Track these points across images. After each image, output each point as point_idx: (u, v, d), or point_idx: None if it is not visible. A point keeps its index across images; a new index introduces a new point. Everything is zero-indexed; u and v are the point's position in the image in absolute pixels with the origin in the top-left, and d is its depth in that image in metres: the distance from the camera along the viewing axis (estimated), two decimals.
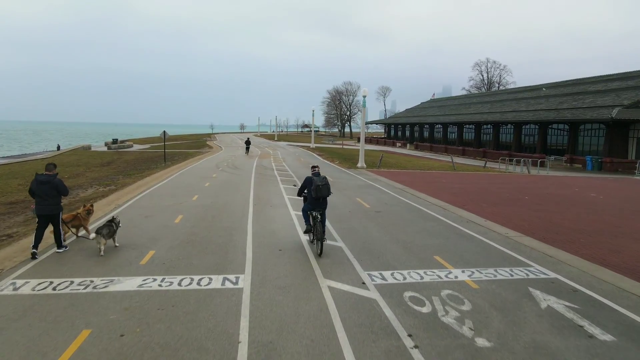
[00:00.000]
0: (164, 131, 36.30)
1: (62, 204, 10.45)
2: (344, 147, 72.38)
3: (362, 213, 15.12)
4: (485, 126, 66.80)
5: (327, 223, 13.14)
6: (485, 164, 38.85)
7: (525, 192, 21.70)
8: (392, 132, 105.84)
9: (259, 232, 12.23)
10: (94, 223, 12.58)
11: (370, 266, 9.33)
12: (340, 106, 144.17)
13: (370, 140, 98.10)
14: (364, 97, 33.04)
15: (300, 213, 12.25)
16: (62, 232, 10.30)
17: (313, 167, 11.14)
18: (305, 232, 10.93)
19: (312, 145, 66.46)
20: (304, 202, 10.95)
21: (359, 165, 33.14)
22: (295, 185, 17.15)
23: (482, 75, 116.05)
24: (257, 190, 20.00)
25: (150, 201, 16.86)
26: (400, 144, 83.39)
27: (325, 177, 10.50)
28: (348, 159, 40.59)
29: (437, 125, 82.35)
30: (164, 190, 19.87)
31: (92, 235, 10.18)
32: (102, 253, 9.88)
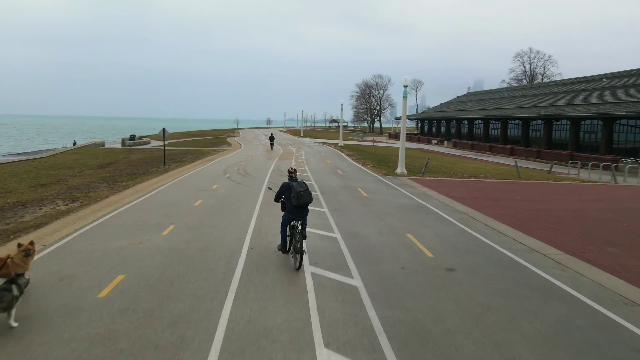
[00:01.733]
0: (164, 129, 30.99)
1: None
2: (375, 144, 65.96)
3: (424, 272, 9.04)
4: (534, 122, 59.23)
5: (370, 308, 7.21)
6: (551, 168, 31.97)
7: None
8: (426, 128, 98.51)
9: (239, 332, 6.37)
10: None
11: None
12: (370, 100, 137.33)
13: None
14: (405, 86, 26.70)
15: (325, 275, 8.86)
16: None
17: (289, 171, 10.34)
18: (278, 250, 9.88)
19: (341, 142, 60.31)
20: (282, 210, 9.90)
21: (398, 171, 26.88)
22: (270, 189, 11.89)
23: (524, 67, 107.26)
24: (263, 215, 14.17)
25: (97, 237, 11.23)
26: (436, 142, 76.34)
27: (304, 182, 9.52)
28: (383, 162, 34.35)
29: (477, 121, 74.76)
30: (133, 213, 14.26)
31: None
32: None
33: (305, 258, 9.79)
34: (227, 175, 24.32)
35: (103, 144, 64.61)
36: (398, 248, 10.75)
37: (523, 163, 41.54)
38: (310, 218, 13.89)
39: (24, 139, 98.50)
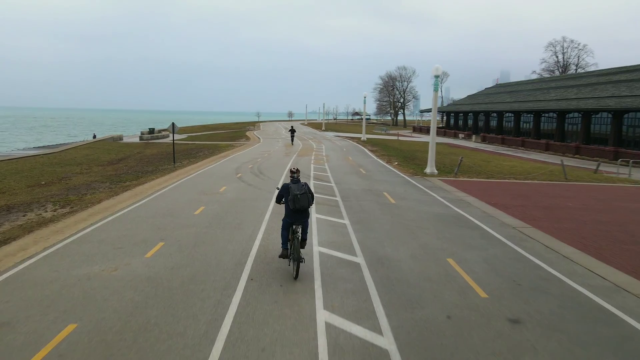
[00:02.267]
0: (173, 123, 28.97)
1: None
2: (400, 138, 63.14)
3: (479, 326, 6.62)
4: (569, 115, 55.45)
5: None
6: (598, 167, 28.83)
7: None
8: (452, 122, 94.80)
9: None
10: None
11: None
12: (394, 93, 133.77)
13: (427, 130, 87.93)
14: (436, 77, 23.99)
15: (344, 329, 6.34)
16: None
17: (292, 171, 9.02)
18: (280, 257, 8.78)
19: (364, 137, 57.64)
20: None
21: (427, 170, 24.26)
22: (278, 188, 9.50)
23: (557, 57, 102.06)
24: (272, 229, 11.92)
25: (65, 260, 9.15)
26: (463, 136, 72.88)
27: (305, 184, 8.67)
28: (409, 159, 31.73)
29: (507, 114, 71.02)
30: (121, 225, 12.18)
31: None
32: None
33: (319, 298, 7.52)
34: (238, 175, 22.17)
35: (121, 138, 63.54)
36: (439, 282, 8.33)
37: (559, 160, 38.31)
38: (329, 233, 11.65)
39: (49, 132, 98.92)
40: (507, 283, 8.33)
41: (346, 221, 12.91)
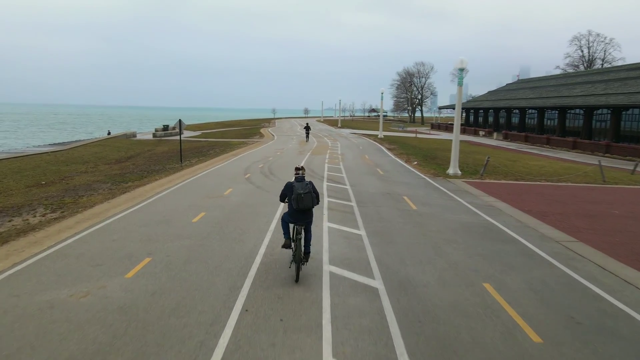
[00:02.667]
0: (180, 120, 27.72)
1: None
2: (418, 136, 61.15)
3: None
4: (598, 111, 52.79)
5: None
6: (636, 167, 26.65)
7: None
8: (472, 118, 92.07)
9: None
10: None
11: None
12: (411, 89, 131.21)
13: (446, 127, 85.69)
14: (461, 70, 22.16)
15: None
16: None
17: (297, 168, 8.58)
18: (283, 247, 8.25)
19: (381, 134, 55.84)
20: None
21: (450, 171, 22.49)
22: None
23: (582, 51, 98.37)
24: (277, 240, 10.42)
25: (31, 281, 7.79)
26: (484, 133, 70.46)
27: (310, 183, 8.20)
28: (429, 158, 29.92)
29: (530, 111, 68.33)
30: (107, 235, 10.82)
31: None
32: None
33: (327, 339, 5.99)
34: (247, 176, 20.75)
35: (134, 135, 62.80)
36: (477, 318, 6.73)
37: (590, 159, 36.03)
38: (342, 246, 10.10)
39: (66, 129, 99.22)
40: (563, 321, 6.68)
41: (362, 232, 11.36)
